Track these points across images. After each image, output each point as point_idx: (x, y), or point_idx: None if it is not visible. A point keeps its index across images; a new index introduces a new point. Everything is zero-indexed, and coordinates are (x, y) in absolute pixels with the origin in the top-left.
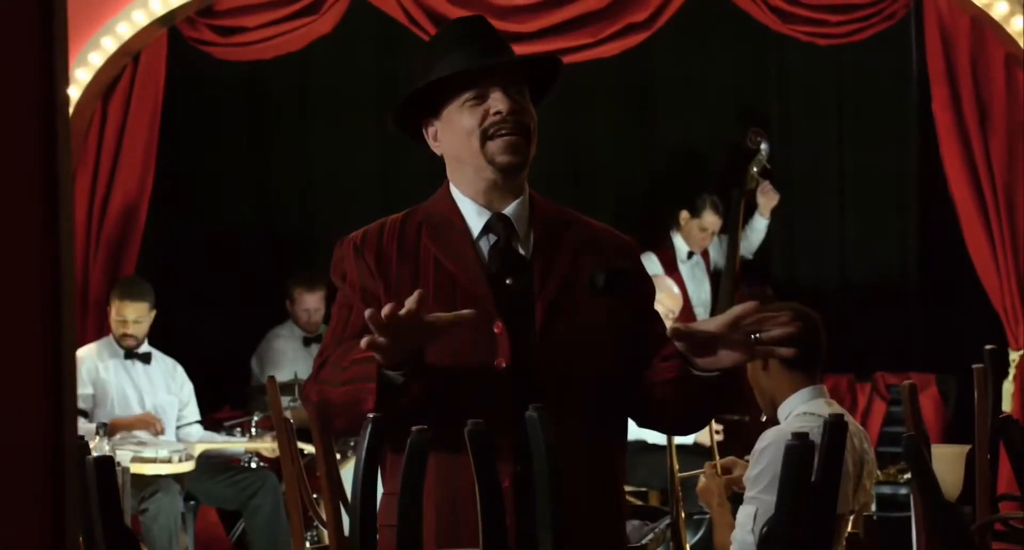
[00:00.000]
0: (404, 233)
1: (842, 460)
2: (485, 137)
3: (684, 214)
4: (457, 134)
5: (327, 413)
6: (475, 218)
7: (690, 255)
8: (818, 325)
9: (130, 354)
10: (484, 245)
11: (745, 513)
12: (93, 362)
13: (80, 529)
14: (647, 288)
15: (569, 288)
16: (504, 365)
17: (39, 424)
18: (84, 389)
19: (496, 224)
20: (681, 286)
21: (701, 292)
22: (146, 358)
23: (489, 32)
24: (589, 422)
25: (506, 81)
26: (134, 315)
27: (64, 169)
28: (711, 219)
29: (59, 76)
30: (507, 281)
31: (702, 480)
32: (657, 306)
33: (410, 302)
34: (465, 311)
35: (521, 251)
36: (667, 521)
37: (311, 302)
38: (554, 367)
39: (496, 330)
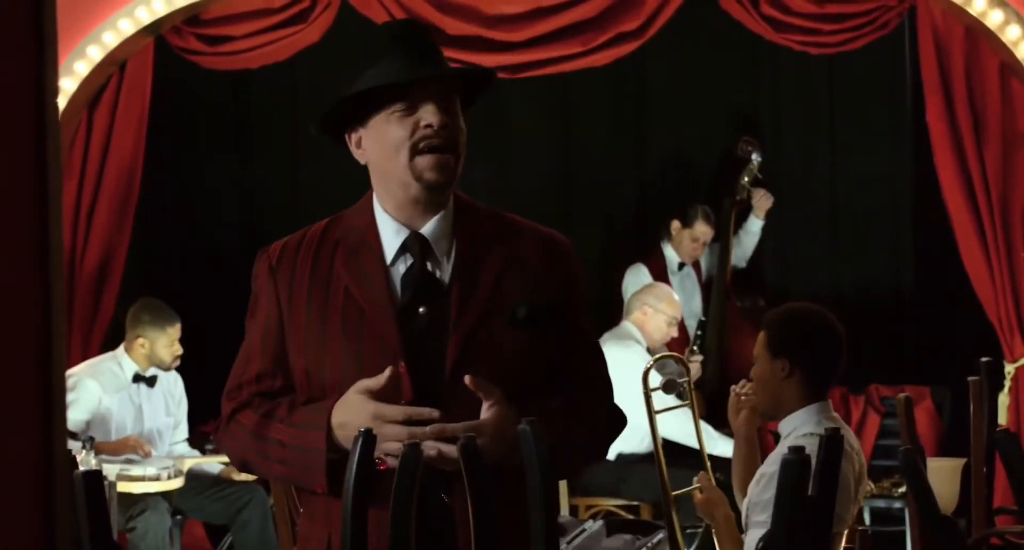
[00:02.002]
0: (320, 252)
1: (838, 474)
2: (415, 151)
3: (675, 224)
4: (384, 145)
5: (251, 472)
6: (392, 237)
7: (681, 266)
8: (841, 340)
9: (138, 378)
10: (401, 267)
11: (755, 537)
12: (98, 394)
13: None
14: (578, 298)
15: (489, 317)
16: None
17: (29, 439)
18: (80, 415)
19: (412, 245)
20: None
21: (692, 303)
22: (152, 381)
23: (422, 39)
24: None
25: (438, 93)
26: (179, 335)
27: (55, 179)
28: (703, 229)
29: (48, 83)
30: (420, 310)
31: (697, 494)
32: (658, 314)
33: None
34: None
35: (439, 274)
36: (659, 535)
37: None
38: (464, 406)
39: (400, 370)
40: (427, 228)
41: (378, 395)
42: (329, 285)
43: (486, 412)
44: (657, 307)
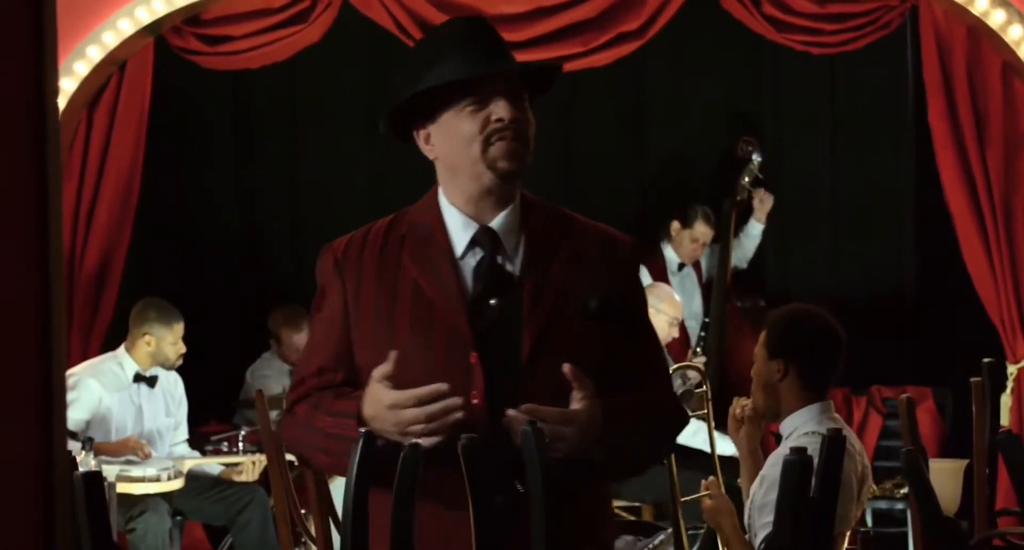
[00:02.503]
0: (386, 247)
1: (840, 474)
2: (487, 144)
3: (675, 225)
4: (455, 139)
5: (306, 464)
6: (460, 232)
7: (681, 267)
8: (840, 342)
9: (139, 378)
10: (470, 261)
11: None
12: (98, 393)
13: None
14: (640, 296)
15: (560, 311)
16: (477, 399)
17: (29, 440)
18: (80, 415)
19: (482, 238)
20: None
21: (692, 304)
22: (152, 382)
23: (490, 35)
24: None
25: (508, 87)
26: (182, 333)
27: (55, 181)
28: (702, 230)
29: (48, 83)
30: (491, 302)
31: (706, 500)
32: (660, 314)
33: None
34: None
35: (509, 267)
36: (661, 537)
37: (299, 341)
38: (539, 397)
39: (471, 361)
40: (496, 222)
41: (447, 385)
42: (397, 279)
43: (578, 403)
44: (658, 308)
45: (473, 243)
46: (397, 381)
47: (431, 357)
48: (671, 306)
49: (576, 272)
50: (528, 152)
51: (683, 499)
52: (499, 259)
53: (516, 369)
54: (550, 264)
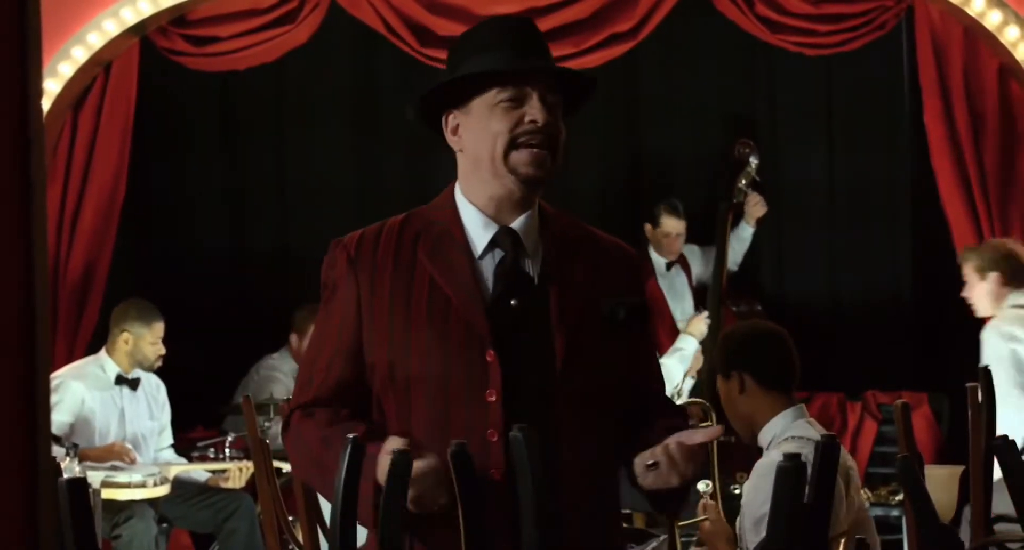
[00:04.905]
0: (401, 244)
1: (835, 481)
2: (513, 144)
3: (647, 228)
4: (483, 134)
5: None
6: (480, 231)
7: (668, 267)
8: (787, 341)
9: (120, 380)
10: (489, 262)
11: None
12: (81, 394)
13: None
14: (647, 305)
15: (587, 316)
16: (494, 397)
17: (13, 446)
18: (63, 417)
19: (503, 239)
20: (661, 300)
21: (684, 305)
22: (134, 384)
23: (536, 35)
24: (591, 455)
25: (545, 89)
26: (162, 334)
27: (38, 184)
28: (671, 223)
29: (32, 85)
30: (512, 302)
31: (705, 524)
32: None
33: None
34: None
35: (529, 269)
36: (653, 544)
37: None
38: (574, 401)
39: (488, 358)
40: (517, 224)
41: (463, 381)
42: (413, 275)
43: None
44: None
45: (493, 243)
46: (415, 378)
47: (449, 354)
48: None
49: (599, 279)
50: (556, 160)
51: (680, 523)
52: (520, 261)
53: (543, 371)
54: (574, 269)
